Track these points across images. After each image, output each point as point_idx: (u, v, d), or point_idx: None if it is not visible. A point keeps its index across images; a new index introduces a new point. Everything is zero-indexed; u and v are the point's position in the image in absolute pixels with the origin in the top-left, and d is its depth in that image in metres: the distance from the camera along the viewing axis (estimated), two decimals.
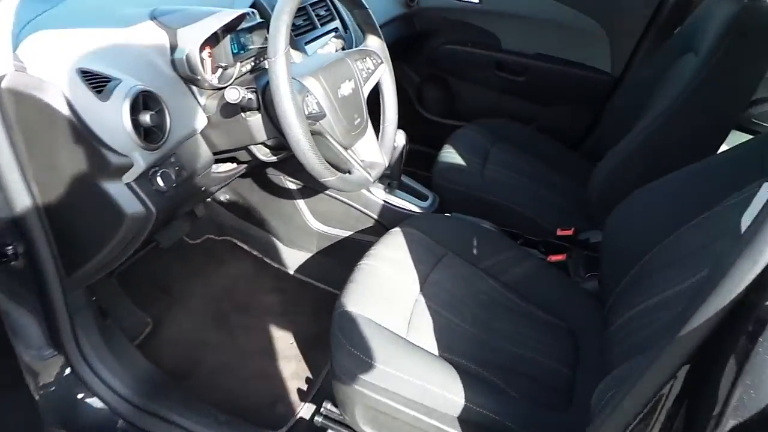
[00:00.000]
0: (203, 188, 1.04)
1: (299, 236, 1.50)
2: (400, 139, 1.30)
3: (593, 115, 1.81)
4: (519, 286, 1.17)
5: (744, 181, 0.91)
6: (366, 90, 1.08)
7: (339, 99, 0.98)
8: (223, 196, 1.56)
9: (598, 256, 1.37)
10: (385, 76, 1.14)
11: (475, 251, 1.22)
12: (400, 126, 1.28)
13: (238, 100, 0.86)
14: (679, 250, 0.96)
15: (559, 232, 1.41)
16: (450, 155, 1.60)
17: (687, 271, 0.88)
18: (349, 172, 1.05)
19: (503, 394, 0.95)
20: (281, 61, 0.81)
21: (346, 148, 1.03)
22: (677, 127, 1.21)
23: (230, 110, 0.93)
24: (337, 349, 0.96)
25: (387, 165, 1.18)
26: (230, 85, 0.88)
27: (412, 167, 1.96)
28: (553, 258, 1.27)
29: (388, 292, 1.05)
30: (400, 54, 1.98)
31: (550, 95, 1.85)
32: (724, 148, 1.22)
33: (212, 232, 1.62)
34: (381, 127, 1.18)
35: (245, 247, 1.59)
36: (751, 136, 1.68)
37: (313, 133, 0.95)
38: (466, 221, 1.35)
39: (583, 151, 1.85)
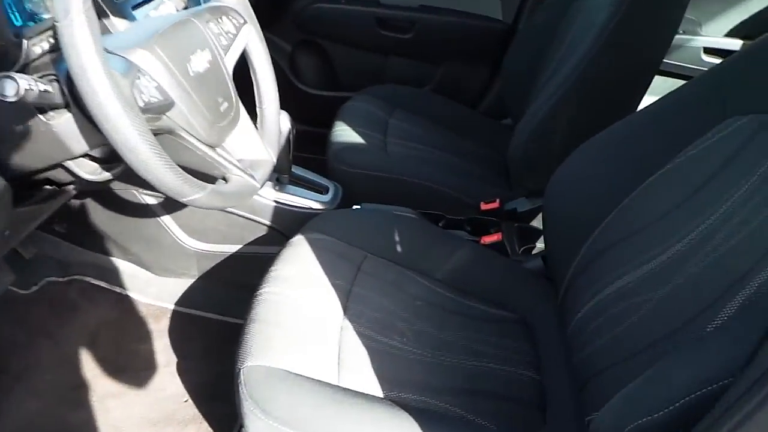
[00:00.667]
0: (4, 233, 0.70)
1: (173, 261, 1.18)
2: (285, 122, 1.03)
3: (490, 69, 1.66)
4: (457, 280, 0.98)
5: (704, 124, 0.78)
6: (230, 62, 0.80)
7: (191, 78, 0.69)
8: (60, 225, 1.19)
9: (531, 228, 1.23)
10: (253, 40, 0.86)
11: (398, 248, 1.01)
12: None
13: (21, 96, 0.53)
14: (643, 213, 0.81)
15: (483, 206, 1.24)
16: (344, 133, 1.35)
17: (666, 236, 0.73)
18: (225, 180, 0.76)
19: (468, 426, 0.76)
20: (80, 23, 0.50)
21: (213, 147, 0.75)
22: (600, 76, 1.07)
23: (17, 112, 0.61)
24: (250, 421, 0.70)
25: (275, 160, 0.91)
26: (5, 74, 0.56)
27: (301, 153, 1.70)
28: (487, 239, 1.10)
29: (304, 325, 0.80)
30: (261, 19, 1.67)
31: (441, 52, 1.67)
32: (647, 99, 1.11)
33: (53, 273, 1.24)
34: (258, 110, 0.90)
35: (103, 285, 1.24)
36: (670, 79, 1.67)
37: (159, 133, 0.66)
38: (380, 211, 1.12)
39: (485, 109, 1.70)
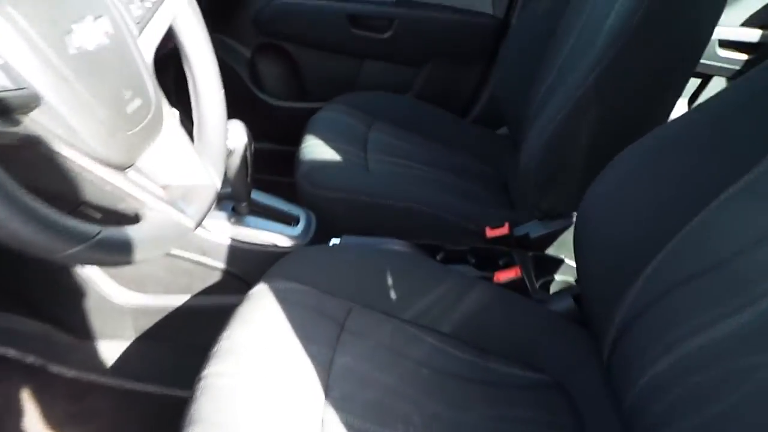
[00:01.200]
0: None
1: (100, 320, 0.92)
2: (239, 134, 0.80)
3: (481, 71, 1.46)
4: (471, 333, 0.76)
5: None
6: (147, 44, 0.56)
7: (73, 58, 0.45)
8: None
9: (549, 257, 1.02)
10: (184, 17, 0.62)
11: (392, 294, 0.78)
12: (233, 117, 0.78)
13: None
14: (724, 239, 0.60)
15: (489, 233, 1.02)
16: (315, 149, 1.12)
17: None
18: (137, 219, 0.52)
19: None
20: None
21: (120, 169, 0.51)
22: (625, 77, 0.87)
23: None
24: None
25: (219, 185, 0.67)
26: None
27: (264, 175, 1.46)
28: (503, 276, 0.88)
29: (267, 424, 0.56)
30: (216, 21, 1.44)
31: (424, 53, 1.46)
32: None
33: None
34: (195, 115, 0.66)
35: (11, 354, 0.96)
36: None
37: (20, 145, 0.42)
38: (365, 246, 0.90)
39: (477, 117, 1.49)
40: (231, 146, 0.80)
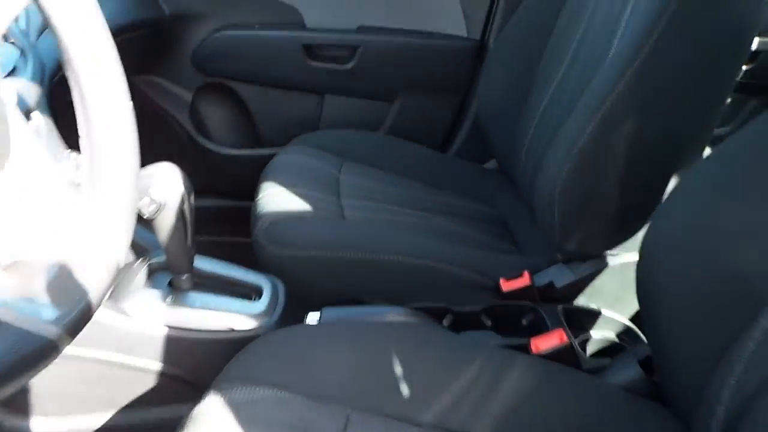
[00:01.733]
0: None
1: None
2: (171, 182, 0.58)
3: (460, 100, 1.30)
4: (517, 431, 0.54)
5: None
6: None
7: None
8: None
9: (583, 310, 0.82)
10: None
11: (403, 388, 0.55)
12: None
13: None
14: None
15: (505, 285, 0.81)
16: (276, 198, 0.91)
17: None
18: None
19: None
20: None
21: None
22: (665, 76, 0.71)
23: None
24: None
25: (120, 257, 0.44)
26: None
27: (212, 237, 1.23)
28: (543, 345, 0.66)
29: None
30: (149, 62, 1.23)
31: (394, 84, 1.28)
32: None
33: None
34: (83, 147, 0.43)
35: None
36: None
37: None
38: (355, 321, 0.67)
39: (458, 151, 1.32)
40: (160, 198, 0.57)
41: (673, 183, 0.75)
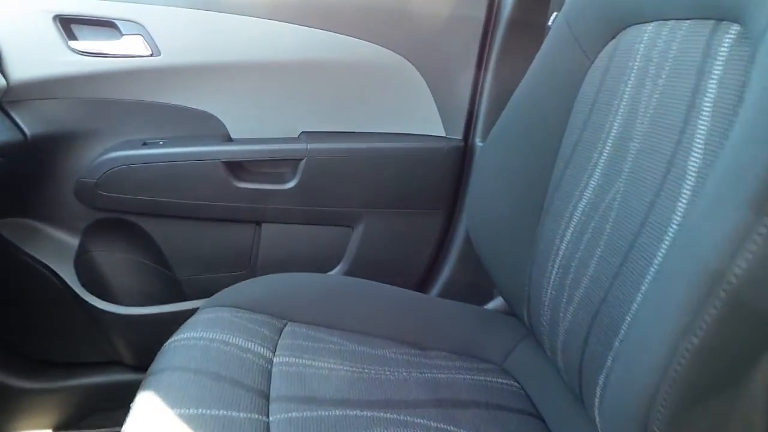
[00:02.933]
0: None
1: None
2: None
3: (441, 221, 0.98)
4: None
5: None
6: None
7: None
8: None
9: None
10: None
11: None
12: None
13: None
14: None
15: None
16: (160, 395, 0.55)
17: None
18: None
19: None
20: None
21: None
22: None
23: None
24: None
25: None
26: None
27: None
28: None
29: None
30: (13, 200, 0.91)
31: (352, 203, 0.97)
32: None
33: None
34: None
35: None
36: None
37: None
38: None
39: (445, 287, 0.98)
40: None
41: None
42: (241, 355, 0.66)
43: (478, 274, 0.91)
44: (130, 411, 0.57)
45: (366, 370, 0.69)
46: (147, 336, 0.97)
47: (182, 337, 0.69)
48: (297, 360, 0.68)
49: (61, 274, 0.93)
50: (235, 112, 0.93)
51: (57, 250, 0.95)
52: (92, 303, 0.94)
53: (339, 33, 0.89)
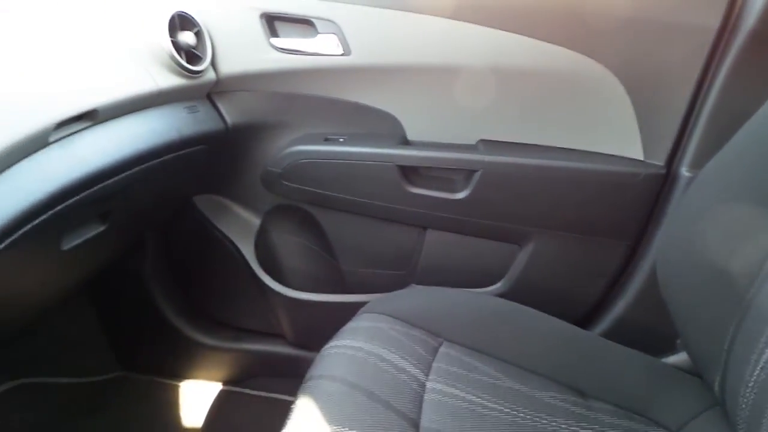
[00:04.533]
0: None
1: None
2: None
3: (624, 250, 0.88)
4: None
5: None
6: None
7: None
8: None
9: None
10: None
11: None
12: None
13: None
14: None
15: None
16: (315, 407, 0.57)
17: None
18: None
19: None
20: None
21: None
22: None
23: None
24: None
25: None
26: None
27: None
28: None
29: None
30: (212, 180, 1.01)
31: (523, 221, 0.91)
32: None
33: None
34: None
35: None
36: None
37: None
38: None
39: (614, 327, 0.89)
40: None
41: None
42: (396, 375, 0.67)
43: (657, 319, 0.81)
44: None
45: (522, 415, 0.66)
46: (309, 319, 1.03)
47: (342, 344, 0.71)
48: (450, 390, 0.67)
49: (243, 250, 1.03)
50: (414, 114, 0.92)
51: (241, 227, 1.04)
52: (264, 281, 1.02)
53: (535, 38, 0.82)
